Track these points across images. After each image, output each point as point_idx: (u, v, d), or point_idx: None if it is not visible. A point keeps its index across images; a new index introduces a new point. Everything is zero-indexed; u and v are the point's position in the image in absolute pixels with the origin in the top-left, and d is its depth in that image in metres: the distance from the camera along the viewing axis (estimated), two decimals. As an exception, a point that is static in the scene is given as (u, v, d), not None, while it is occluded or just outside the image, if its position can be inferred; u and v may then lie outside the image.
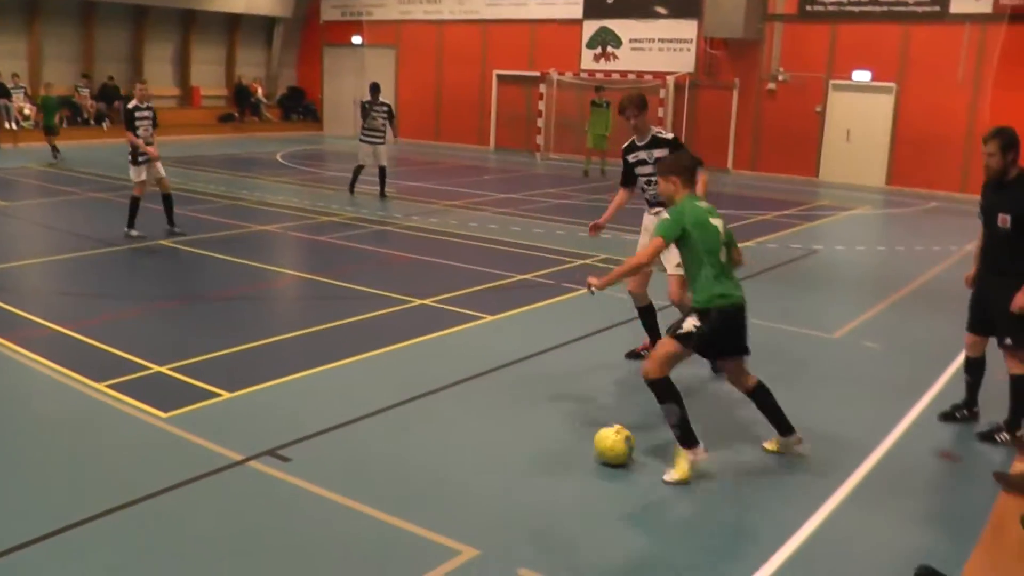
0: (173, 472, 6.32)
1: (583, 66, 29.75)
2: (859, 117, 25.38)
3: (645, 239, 8.70)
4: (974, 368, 7.64)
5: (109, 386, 7.92)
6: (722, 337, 6.59)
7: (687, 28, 27.72)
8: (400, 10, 33.83)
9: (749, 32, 26.09)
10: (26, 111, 29.06)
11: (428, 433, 7.22)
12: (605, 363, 9.04)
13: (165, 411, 7.37)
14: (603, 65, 29.40)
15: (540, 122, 30.10)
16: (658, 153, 8.55)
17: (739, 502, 6.21)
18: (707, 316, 6.47)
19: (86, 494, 6.04)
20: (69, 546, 5.41)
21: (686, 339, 6.47)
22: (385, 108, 19.63)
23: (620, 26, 29.00)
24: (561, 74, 29.75)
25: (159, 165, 14.56)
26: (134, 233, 14.41)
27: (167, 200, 14.82)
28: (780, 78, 26.33)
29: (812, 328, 10.50)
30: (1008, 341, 7.15)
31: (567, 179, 24.80)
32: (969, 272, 7.68)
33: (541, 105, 30.08)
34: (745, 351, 6.82)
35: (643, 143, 8.80)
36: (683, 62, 27.96)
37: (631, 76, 28.35)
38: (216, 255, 13.45)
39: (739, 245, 7.13)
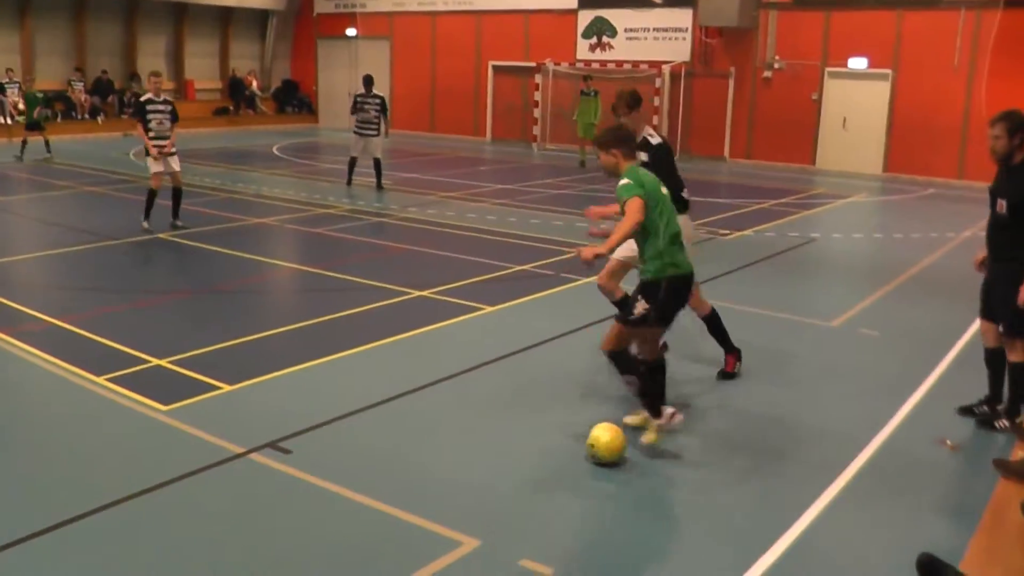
0: (174, 465, 6.32)
1: (579, 56, 29.67)
2: (855, 104, 25.35)
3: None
4: (992, 360, 7.40)
5: (108, 379, 7.92)
6: (671, 308, 6.65)
7: (682, 17, 27.67)
8: (393, 1, 33.71)
9: (744, 20, 26.04)
10: (20, 106, 28.96)
11: (428, 425, 7.22)
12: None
13: (165, 404, 7.38)
14: (599, 55, 29.34)
15: (536, 112, 30.05)
16: (642, 156, 7.75)
17: (738, 494, 6.21)
18: (657, 289, 6.49)
19: (87, 488, 6.03)
20: (70, 540, 5.41)
21: (638, 324, 6.59)
22: (378, 101, 19.60)
23: (615, 15, 28.95)
24: (557, 64, 29.69)
25: (173, 160, 14.48)
26: (145, 225, 14.37)
27: (176, 193, 14.75)
28: (776, 66, 26.30)
29: (810, 316, 10.51)
30: (1000, 329, 7.14)
31: (564, 169, 24.77)
32: (978, 255, 7.49)
33: (537, 96, 30.02)
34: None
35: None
36: (679, 51, 27.92)
37: (627, 66, 28.34)
38: (214, 248, 13.43)
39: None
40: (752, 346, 9.33)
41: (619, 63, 28.64)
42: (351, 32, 35.19)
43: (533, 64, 30.14)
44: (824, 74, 25.69)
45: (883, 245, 15.38)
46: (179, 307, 10.65)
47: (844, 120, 25.60)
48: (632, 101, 8.04)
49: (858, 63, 25.13)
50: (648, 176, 6.64)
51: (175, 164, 14.55)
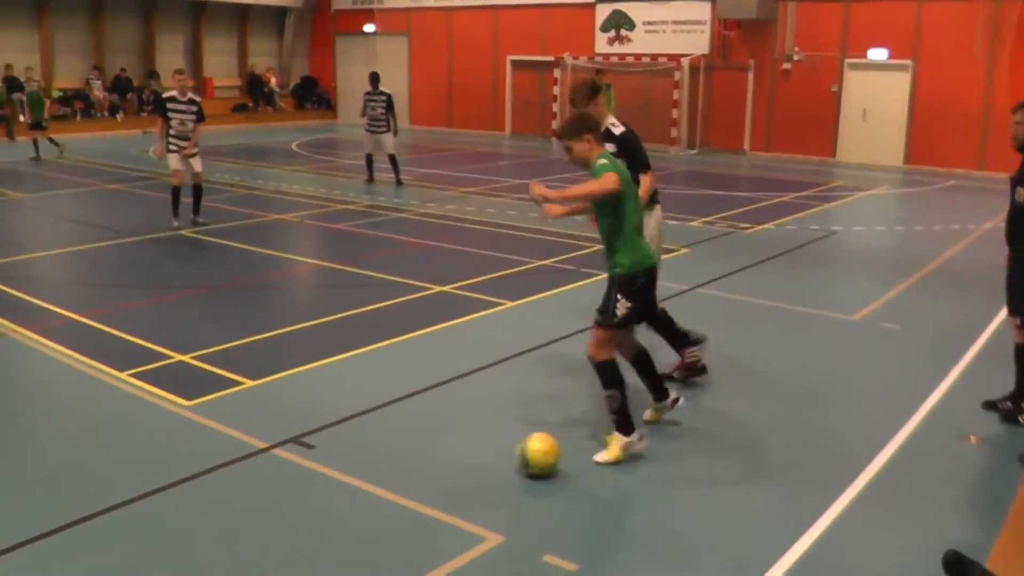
0: (198, 460, 6.36)
1: (597, 50, 29.62)
2: (875, 96, 25.21)
3: None
4: (1020, 355, 7.26)
5: (131, 375, 7.98)
6: (644, 303, 6.59)
7: (701, 10, 27.58)
8: (410, -3, 33.83)
9: (763, 12, 25.97)
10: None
11: (451, 420, 7.22)
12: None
13: (188, 399, 7.42)
14: (617, 48, 29.29)
15: (555, 107, 30.00)
16: (609, 148, 7.29)
17: (760, 491, 6.18)
18: (633, 283, 6.37)
19: (110, 483, 6.07)
20: (93, 535, 5.45)
21: (624, 324, 6.46)
22: (384, 97, 19.57)
23: (634, 9, 28.87)
24: (575, 58, 29.65)
25: (195, 161, 14.47)
26: (175, 224, 14.44)
27: (197, 191, 14.78)
28: (795, 58, 26.18)
29: (831, 310, 10.45)
30: (1018, 322, 7.07)
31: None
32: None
33: (556, 90, 29.97)
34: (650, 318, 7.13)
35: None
36: (697, 44, 27.82)
37: (645, 59, 28.28)
38: (234, 244, 13.49)
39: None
40: (773, 340, 9.34)
41: (637, 56, 28.59)
42: (369, 28, 35.23)
43: (551, 58, 30.11)
44: (844, 65, 25.56)
45: (904, 238, 15.31)
46: (200, 303, 10.69)
47: (864, 112, 25.47)
48: (590, 91, 7.77)
49: (878, 54, 24.99)
50: (622, 167, 6.48)
51: (196, 165, 14.54)
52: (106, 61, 32.12)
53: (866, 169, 24.23)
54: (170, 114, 14.26)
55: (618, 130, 7.75)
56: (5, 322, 9.52)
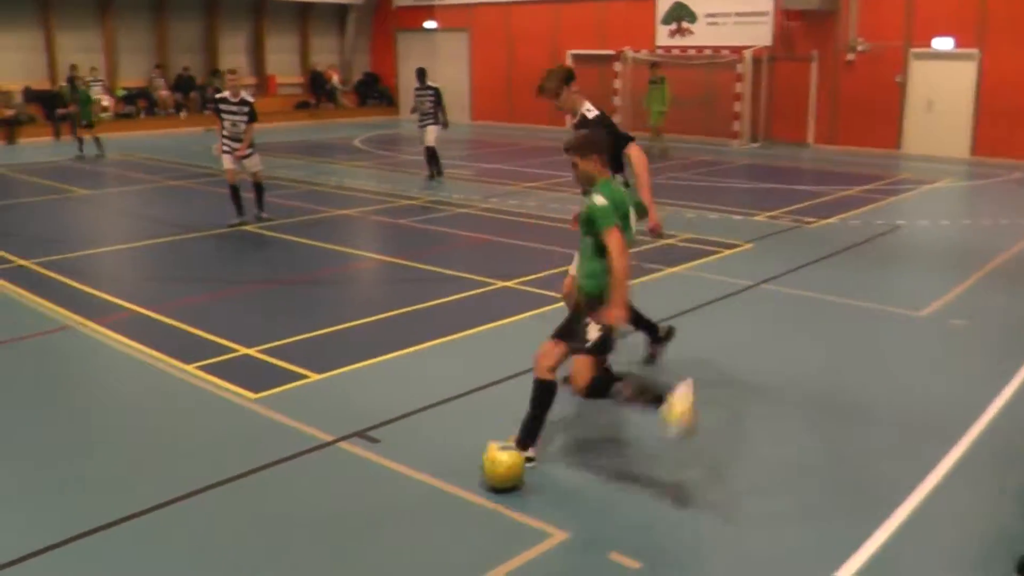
0: (265, 452, 6.45)
1: (658, 43, 29.44)
2: (941, 86, 24.76)
3: None
4: None
5: (198, 367, 8.11)
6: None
7: (763, 0, 27.29)
8: (471, -7, 33.88)
9: (826, 2, 25.63)
10: (104, 103, 29.73)
11: (515, 416, 7.19)
12: (690, 343, 8.96)
13: (255, 392, 7.52)
14: (678, 41, 29.08)
15: (616, 100, 29.87)
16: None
17: (830, 488, 6.12)
18: (600, 305, 6.04)
19: (178, 473, 6.19)
20: (161, 524, 5.57)
21: (602, 349, 6.15)
22: (431, 92, 19.68)
23: (696, 1, 28.65)
24: (636, 52, 29.50)
25: (248, 161, 14.53)
26: (235, 221, 14.60)
27: (257, 188, 14.91)
28: (859, 48, 25.78)
29: (897, 306, 10.30)
30: None
31: (651, 157, 24.45)
32: None
33: (616, 83, 29.85)
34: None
35: (575, 122, 7.74)
36: (760, 35, 27.52)
37: (707, 51, 28.05)
38: (298, 239, 13.62)
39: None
40: (839, 337, 9.23)
41: (699, 49, 28.34)
42: (429, 25, 35.34)
43: (611, 52, 29.98)
44: (908, 55, 25.16)
45: (971, 232, 15.03)
46: (264, 297, 10.82)
47: (929, 103, 25.07)
48: (566, 76, 7.60)
49: (943, 43, 24.54)
50: (619, 193, 6.19)
51: (250, 165, 14.59)
52: (169, 60, 32.66)
53: (931, 161, 23.82)
54: (223, 115, 14.38)
55: (592, 114, 7.61)
56: (72, 315, 9.73)
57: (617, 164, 7.36)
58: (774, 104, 27.64)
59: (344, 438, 6.67)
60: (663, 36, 29.43)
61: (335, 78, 36.70)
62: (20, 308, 10.20)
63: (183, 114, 31.68)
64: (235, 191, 14.59)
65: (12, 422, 7.19)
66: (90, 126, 23.98)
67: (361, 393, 7.64)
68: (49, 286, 10.98)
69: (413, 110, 19.84)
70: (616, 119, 28.72)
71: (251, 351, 8.55)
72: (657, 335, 8.19)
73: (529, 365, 8.11)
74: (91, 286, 10.90)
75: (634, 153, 7.49)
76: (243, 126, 14.32)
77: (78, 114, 24.12)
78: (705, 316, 9.85)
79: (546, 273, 11.46)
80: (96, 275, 11.59)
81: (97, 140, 23.96)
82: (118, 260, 12.88)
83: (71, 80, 28.48)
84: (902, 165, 23.47)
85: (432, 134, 19.64)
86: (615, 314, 5.88)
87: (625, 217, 6.12)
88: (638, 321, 8.02)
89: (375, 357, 8.41)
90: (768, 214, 15.76)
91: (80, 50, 30.30)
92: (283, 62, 35.86)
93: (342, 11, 36.85)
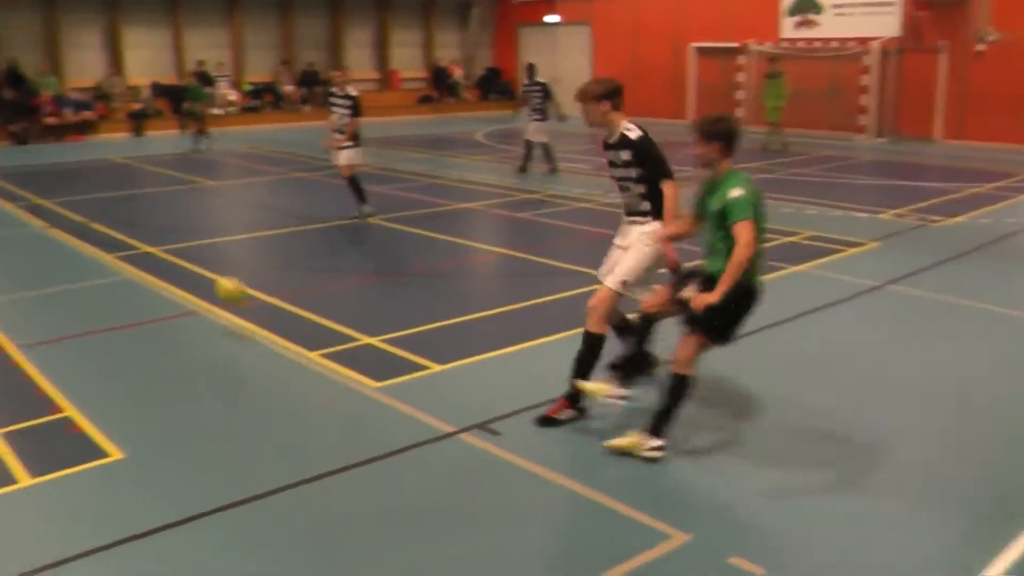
0: (388, 440, 6.51)
1: (783, 35, 28.86)
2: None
3: (617, 257, 7.27)
4: None
5: (322, 355, 8.23)
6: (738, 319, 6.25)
7: (893, -9, 26.57)
8: (595, -14, 33.76)
9: (957, -8, 24.89)
10: (230, 97, 30.63)
11: (636, 412, 7.13)
12: (825, 341, 8.77)
13: (377, 381, 7.60)
14: (804, 32, 28.43)
15: (739, 95, 29.45)
16: (625, 156, 6.96)
17: (966, 503, 5.90)
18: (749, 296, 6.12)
19: (301, 457, 6.30)
20: (282, 507, 5.67)
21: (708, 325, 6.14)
22: (538, 88, 19.75)
23: (823, -8, 28.05)
24: (760, 44, 29.02)
25: (341, 154, 14.52)
26: (367, 209, 14.72)
27: (349, 183, 14.79)
28: (990, 38, 24.86)
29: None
30: None
31: (770, 152, 24.11)
32: None
33: (739, 77, 29.43)
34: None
35: (612, 141, 7.11)
36: (887, 26, 26.66)
37: (833, 43, 27.41)
38: (419, 231, 13.74)
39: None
40: (965, 340, 8.91)
41: (825, 41, 27.71)
42: (551, 19, 35.35)
43: (735, 45, 29.55)
44: (1044, 46, 24.23)
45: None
46: (386, 288, 10.93)
47: (1069, 95, 24.08)
48: (607, 92, 7.00)
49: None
50: (753, 186, 6.11)
51: (344, 158, 14.53)
52: (295, 55, 33.41)
53: (1070, 158, 22.91)
54: (332, 108, 14.60)
55: (633, 134, 6.97)
56: (197, 300, 10.02)
57: (656, 198, 6.96)
58: (901, 97, 26.86)
59: (465, 430, 6.68)
60: (788, 28, 28.83)
61: (457, 73, 37.01)
62: (148, 293, 10.53)
63: (307, 108, 32.39)
64: (356, 182, 14.74)
65: (144, 401, 7.42)
66: (198, 119, 24.67)
67: (482, 385, 7.64)
68: (175, 272, 11.32)
69: (522, 104, 19.95)
70: (738, 113, 28.57)
71: (373, 340, 8.64)
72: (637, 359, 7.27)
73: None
74: (217, 273, 11.16)
75: (668, 191, 6.90)
76: (347, 119, 14.42)
77: (198, 108, 24.85)
78: (833, 316, 9.58)
79: (665, 270, 11.30)
80: (220, 262, 11.86)
81: (202, 134, 24.63)
82: (242, 249, 13.19)
83: (199, 75, 29.32)
84: (1037, 162, 22.61)
85: (536, 129, 19.70)
86: (706, 299, 5.89)
87: (759, 212, 6.03)
88: (628, 331, 7.37)
89: (496, 350, 8.41)
90: (894, 211, 15.33)
91: (208, 47, 31.45)
92: (406, 57, 36.36)
93: (465, 6, 37.18)
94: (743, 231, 5.86)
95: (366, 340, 8.66)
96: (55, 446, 6.56)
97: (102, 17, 29.88)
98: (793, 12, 28.70)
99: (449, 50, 37.53)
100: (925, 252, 12.34)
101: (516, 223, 14.93)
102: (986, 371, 8.02)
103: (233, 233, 14.13)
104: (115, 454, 6.38)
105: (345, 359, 8.14)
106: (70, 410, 7.13)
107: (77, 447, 6.51)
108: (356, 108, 14.45)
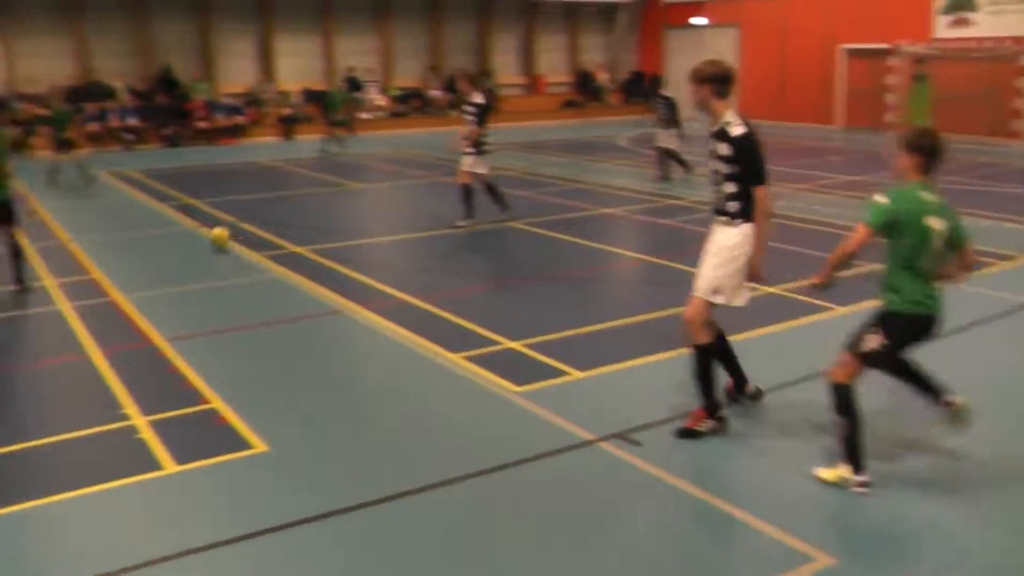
0: (527, 445, 6.54)
1: (936, 35, 27.90)
2: None
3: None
4: None
5: (464, 357, 8.34)
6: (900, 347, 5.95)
7: (1056, -14, 25.38)
8: (743, -13, 33.27)
9: None
10: (378, 102, 31.21)
11: (784, 430, 6.95)
12: (978, 361, 8.41)
13: (518, 385, 7.65)
14: (958, 32, 27.40)
15: (889, 97, 28.58)
16: (723, 149, 6.54)
17: None
18: (896, 321, 5.81)
19: (440, 458, 6.40)
20: (421, 506, 5.75)
21: (872, 362, 5.89)
22: (663, 100, 19.59)
23: (979, -11, 27.02)
24: (912, 45, 28.09)
25: (463, 160, 14.51)
26: (502, 216, 14.75)
27: (462, 190, 14.70)
28: None
29: None
30: None
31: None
32: None
33: (889, 79, 28.55)
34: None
35: (714, 130, 6.67)
36: (1046, 25, 25.60)
37: (987, 43, 26.33)
38: (561, 236, 13.75)
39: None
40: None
41: (979, 40, 26.64)
42: (697, 21, 34.98)
43: (886, 46, 28.67)
44: None
45: None
46: (528, 292, 10.97)
47: None
48: (717, 76, 6.60)
49: None
50: (917, 203, 5.68)
51: (463, 165, 14.51)
52: (443, 62, 33.89)
53: None
54: (464, 115, 14.68)
55: (736, 131, 6.53)
56: (342, 299, 10.29)
57: (747, 202, 6.61)
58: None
59: (605, 438, 6.64)
60: (941, 27, 27.85)
61: (602, 76, 36.93)
62: (295, 292, 10.82)
63: (454, 113, 32.71)
64: (490, 188, 14.77)
65: (288, 396, 7.65)
66: (342, 124, 25.22)
67: (622, 394, 7.60)
68: (321, 272, 11.58)
69: (654, 113, 19.93)
70: (888, 118, 27.70)
71: (515, 344, 8.67)
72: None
73: (793, 376, 7.86)
74: (361, 274, 11.40)
75: (760, 196, 6.55)
76: (475, 127, 14.39)
77: (342, 114, 25.44)
78: (985, 336, 9.18)
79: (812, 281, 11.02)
80: (366, 263, 12.10)
81: (338, 138, 25.06)
82: (387, 250, 13.42)
83: (348, 81, 29.94)
84: None
85: (663, 138, 19.58)
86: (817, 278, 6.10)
87: (914, 229, 5.66)
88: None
89: (636, 358, 8.35)
90: (1050, 222, 14.66)
91: (357, 53, 32.24)
92: (552, 61, 36.56)
93: (610, 9, 37.11)
94: (856, 231, 5.79)
95: (508, 344, 8.70)
96: (200, 436, 6.83)
97: (255, 25, 30.89)
98: (947, 11, 27.70)
99: (594, 54, 37.54)
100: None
101: (659, 229, 14.81)
102: None
103: (378, 235, 14.39)
104: (259, 446, 6.58)
105: (487, 362, 8.19)
106: (216, 402, 7.39)
107: (222, 438, 6.76)
108: (479, 115, 14.39)
